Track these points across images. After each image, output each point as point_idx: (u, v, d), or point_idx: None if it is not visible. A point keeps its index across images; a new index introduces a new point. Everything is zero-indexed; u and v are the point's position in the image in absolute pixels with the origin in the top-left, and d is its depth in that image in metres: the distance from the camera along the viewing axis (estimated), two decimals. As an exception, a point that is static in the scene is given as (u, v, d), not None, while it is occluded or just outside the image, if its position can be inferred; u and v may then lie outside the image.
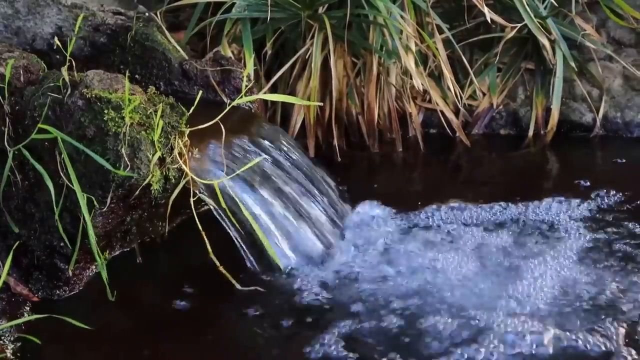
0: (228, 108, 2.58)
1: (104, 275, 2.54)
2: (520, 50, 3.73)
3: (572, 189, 3.21)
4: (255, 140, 2.83)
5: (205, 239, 2.51)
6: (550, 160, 3.58)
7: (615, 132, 3.70)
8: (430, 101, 3.63)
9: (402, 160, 3.53)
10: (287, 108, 3.50)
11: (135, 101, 2.45)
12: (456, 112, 3.65)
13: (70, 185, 2.45)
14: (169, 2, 3.44)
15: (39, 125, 2.46)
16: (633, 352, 2.34)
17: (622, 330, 2.41)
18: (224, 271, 2.56)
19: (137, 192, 2.49)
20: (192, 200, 2.54)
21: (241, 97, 2.64)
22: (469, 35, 3.70)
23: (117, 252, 2.71)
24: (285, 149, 2.93)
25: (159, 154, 2.48)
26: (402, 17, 3.39)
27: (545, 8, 3.64)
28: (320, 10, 3.41)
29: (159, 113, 2.47)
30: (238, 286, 2.61)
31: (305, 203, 2.84)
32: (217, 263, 2.54)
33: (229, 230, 2.65)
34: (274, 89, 3.46)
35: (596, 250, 2.83)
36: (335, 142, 3.49)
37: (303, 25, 3.40)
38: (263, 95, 2.93)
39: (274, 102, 3.47)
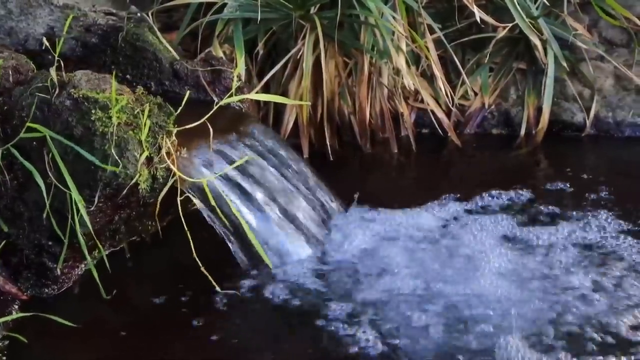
0: (215, 108, 2.60)
1: (95, 273, 2.56)
2: (512, 51, 3.73)
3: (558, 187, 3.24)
4: (244, 140, 2.85)
5: (190, 238, 2.52)
6: (541, 160, 3.59)
7: (607, 132, 3.70)
8: (422, 101, 3.64)
9: (394, 159, 3.54)
10: (279, 108, 3.51)
11: (122, 101, 2.47)
12: (448, 112, 3.66)
13: (58, 185, 2.47)
14: (162, 2, 3.46)
15: (28, 124, 2.47)
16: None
17: None
18: (205, 272, 2.57)
19: (124, 192, 2.51)
20: (179, 199, 2.56)
21: (229, 96, 2.65)
22: (461, 35, 3.70)
23: (107, 251, 2.73)
24: (275, 148, 2.95)
25: (146, 153, 2.50)
26: (393, 17, 3.40)
27: (537, 8, 3.65)
28: (312, 10, 3.42)
29: (145, 113, 2.49)
30: (218, 288, 2.62)
31: (294, 202, 2.85)
32: (199, 264, 2.55)
33: (217, 229, 2.66)
34: (266, 89, 3.47)
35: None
36: (328, 141, 3.50)
37: (294, 25, 3.41)
38: (251, 95, 2.94)
39: (266, 102, 3.48)
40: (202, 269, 2.56)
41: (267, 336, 2.50)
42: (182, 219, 2.54)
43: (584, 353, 2.37)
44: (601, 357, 2.34)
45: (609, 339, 2.42)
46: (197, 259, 2.54)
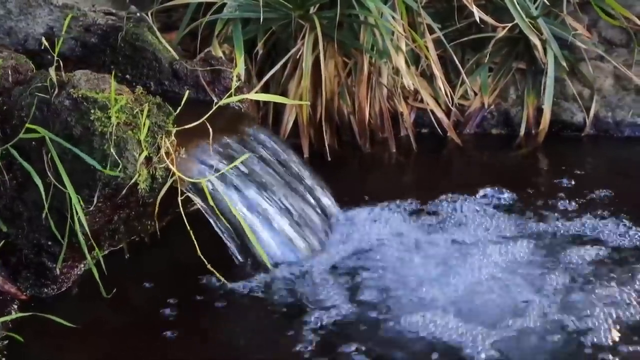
0: (214, 108, 2.60)
1: (95, 273, 2.56)
2: (512, 50, 3.74)
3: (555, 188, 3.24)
4: (243, 140, 2.85)
5: (193, 237, 2.52)
6: (541, 160, 3.59)
7: (606, 132, 3.71)
8: (422, 101, 3.64)
9: (394, 159, 3.55)
10: (279, 108, 3.52)
11: (122, 101, 2.47)
12: (447, 112, 3.66)
13: (58, 185, 2.47)
14: (161, 2, 3.46)
15: (27, 125, 2.48)
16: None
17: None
18: (211, 268, 2.58)
19: (124, 192, 2.51)
20: (179, 199, 2.56)
21: (228, 96, 2.66)
22: (461, 35, 3.71)
23: (106, 251, 2.73)
24: (274, 148, 2.95)
25: (145, 153, 2.50)
26: (393, 17, 3.40)
27: (536, 8, 3.65)
28: (311, 10, 3.42)
29: (145, 112, 2.49)
30: (225, 282, 2.62)
31: (293, 202, 2.85)
32: (205, 261, 2.55)
33: (216, 229, 2.67)
34: (266, 89, 3.47)
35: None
36: (327, 141, 3.50)
37: (294, 25, 3.41)
38: (250, 95, 2.94)
39: (266, 102, 3.49)
40: (209, 266, 2.57)
41: (266, 337, 2.50)
42: (184, 218, 2.53)
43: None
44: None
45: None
46: (201, 257, 2.54)
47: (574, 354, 2.38)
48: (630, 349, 2.37)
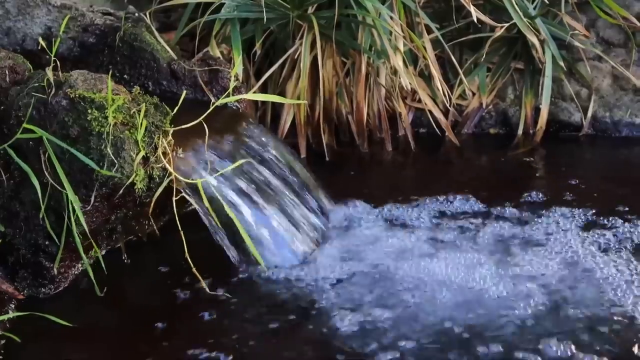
0: (212, 108, 2.60)
1: (91, 273, 2.56)
2: (510, 50, 3.74)
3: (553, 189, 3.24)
4: (240, 140, 2.85)
5: (183, 238, 2.53)
6: (538, 160, 3.59)
7: (604, 132, 3.72)
8: (420, 101, 3.65)
9: (392, 159, 3.55)
10: (277, 108, 3.53)
11: (119, 101, 2.47)
12: (445, 112, 3.67)
13: (55, 185, 2.48)
14: (160, 2, 3.46)
15: (24, 124, 2.48)
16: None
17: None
18: (196, 273, 2.58)
19: (121, 191, 2.51)
20: (174, 199, 2.56)
21: (225, 96, 2.66)
22: (459, 35, 3.72)
23: (104, 251, 2.73)
24: (272, 148, 2.95)
25: (142, 153, 2.50)
26: (391, 17, 3.41)
27: (534, 8, 3.66)
28: (310, 10, 3.43)
29: (142, 112, 2.49)
30: (207, 290, 2.62)
31: (290, 201, 2.86)
32: (191, 264, 2.55)
33: (212, 230, 2.67)
34: (264, 89, 3.48)
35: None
36: (325, 141, 3.51)
37: (292, 25, 3.42)
38: (248, 95, 2.94)
39: (264, 102, 3.50)
40: (194, 269, 2.57)
41: (264, 336, 2.50)
42: (177, 219, 2.54)
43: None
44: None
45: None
46: (189, 259, 2.54)
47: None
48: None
